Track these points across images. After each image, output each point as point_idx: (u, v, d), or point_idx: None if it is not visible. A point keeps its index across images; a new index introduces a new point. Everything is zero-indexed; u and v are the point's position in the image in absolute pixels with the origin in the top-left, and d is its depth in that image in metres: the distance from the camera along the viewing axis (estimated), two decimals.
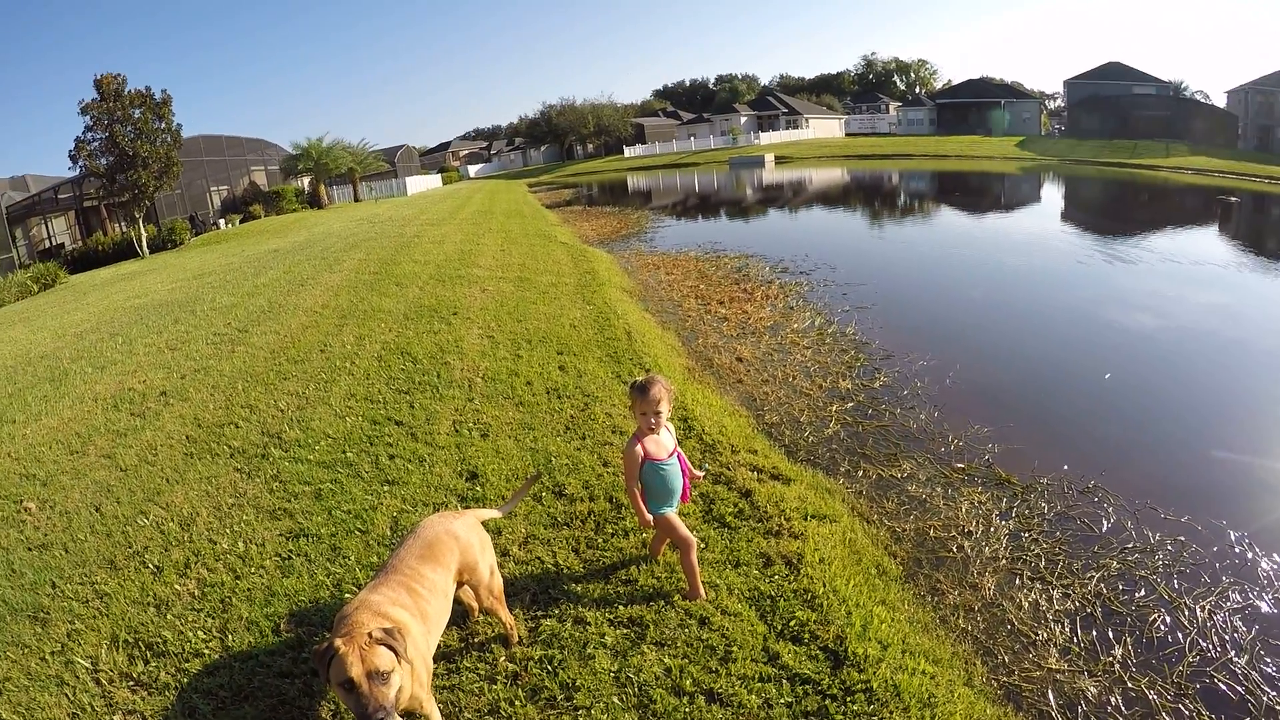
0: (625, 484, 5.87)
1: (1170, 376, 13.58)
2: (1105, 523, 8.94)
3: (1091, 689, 6.67)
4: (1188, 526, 8.96)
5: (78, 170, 45.39)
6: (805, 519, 8.01)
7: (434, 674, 5.05)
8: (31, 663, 5.92)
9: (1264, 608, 7.92)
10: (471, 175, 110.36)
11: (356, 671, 3.37)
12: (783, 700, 5.44)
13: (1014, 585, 7.79)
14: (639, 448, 5.77)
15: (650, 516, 5.87)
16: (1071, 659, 6.98)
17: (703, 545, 7.07)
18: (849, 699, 5.47)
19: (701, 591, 6.17)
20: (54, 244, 50.43)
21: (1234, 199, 38.46)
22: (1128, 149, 64.28)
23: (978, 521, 8.69)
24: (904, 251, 25.74)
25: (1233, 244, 28.70)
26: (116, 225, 51.62)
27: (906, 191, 43.13)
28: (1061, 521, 8.88)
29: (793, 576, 6.78)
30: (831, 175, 52.48)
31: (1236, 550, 8.75)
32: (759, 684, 5.54)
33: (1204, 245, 27.58)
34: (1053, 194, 42.59)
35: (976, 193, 43.90)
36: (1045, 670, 6.81)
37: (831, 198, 40.16)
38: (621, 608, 6.01)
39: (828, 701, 5.44)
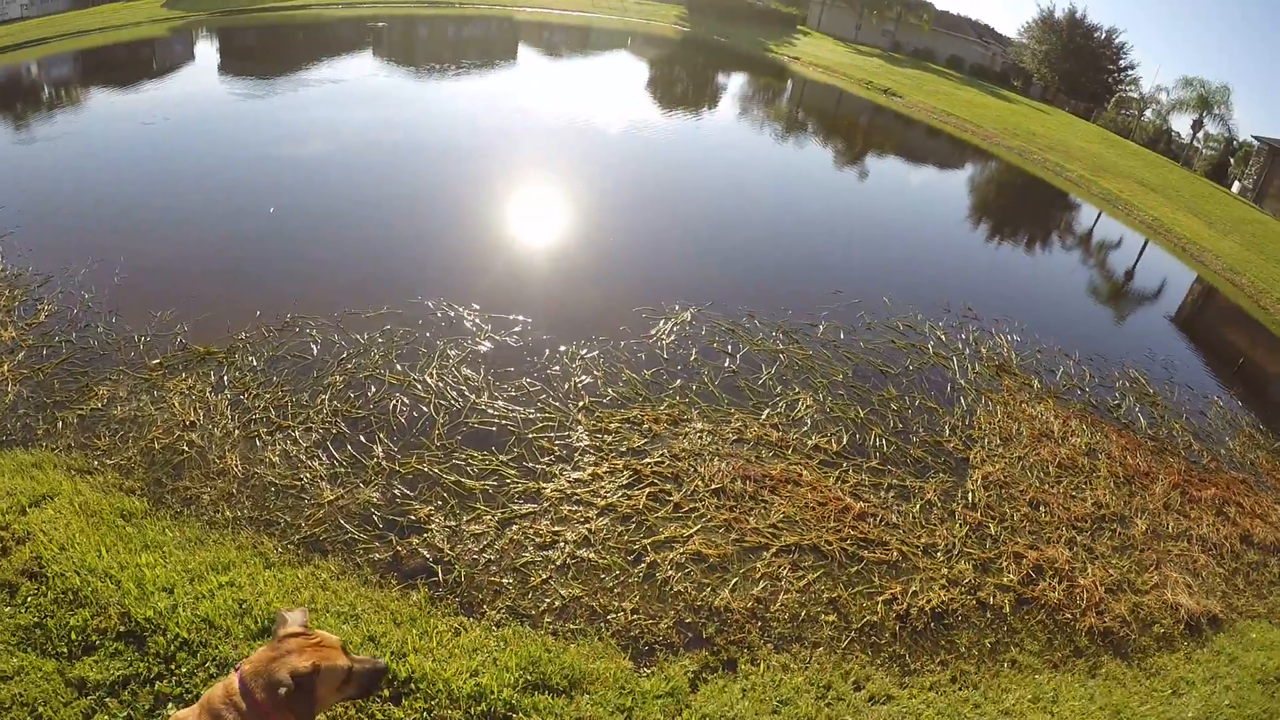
0: None
1: (343, 191, 14.54)
2: (315, 347, 9.56)
3: (375, 495, 7.35)
4: (389, 315, 10.06)
5: None
6: (23, 513, 6.86)
7: None
8: None
9: (483, 348, 9.47)
10: None
11: None
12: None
13: (257, 449, 7.93)
14: None
15: None
16: (341, 481, 7.48)
17: None
18: (171, 664, 5.33)
19: None
20: None
21: (381, 24, 41.21)
22: None
23: (195, 408, 8.45)
24: (37, 150, 21.92)
25: (385, 62, 31.16)
26: None
27: (50, 83, 36.09)
28: (274, 366, 9.27)
29: (45, 588, 6.01)
30: None
31: (438, 314, 10.17)
32: None
33: (357, 67, 29.45)
34: (207, 49, 40.03)
35: (124, 65, 38.97)
36: (326, 505, 7.21)
37: None
38: None
39: (158, 683, 5.19)
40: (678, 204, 17.05)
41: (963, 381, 10.88)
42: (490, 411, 8.68)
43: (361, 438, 8.10)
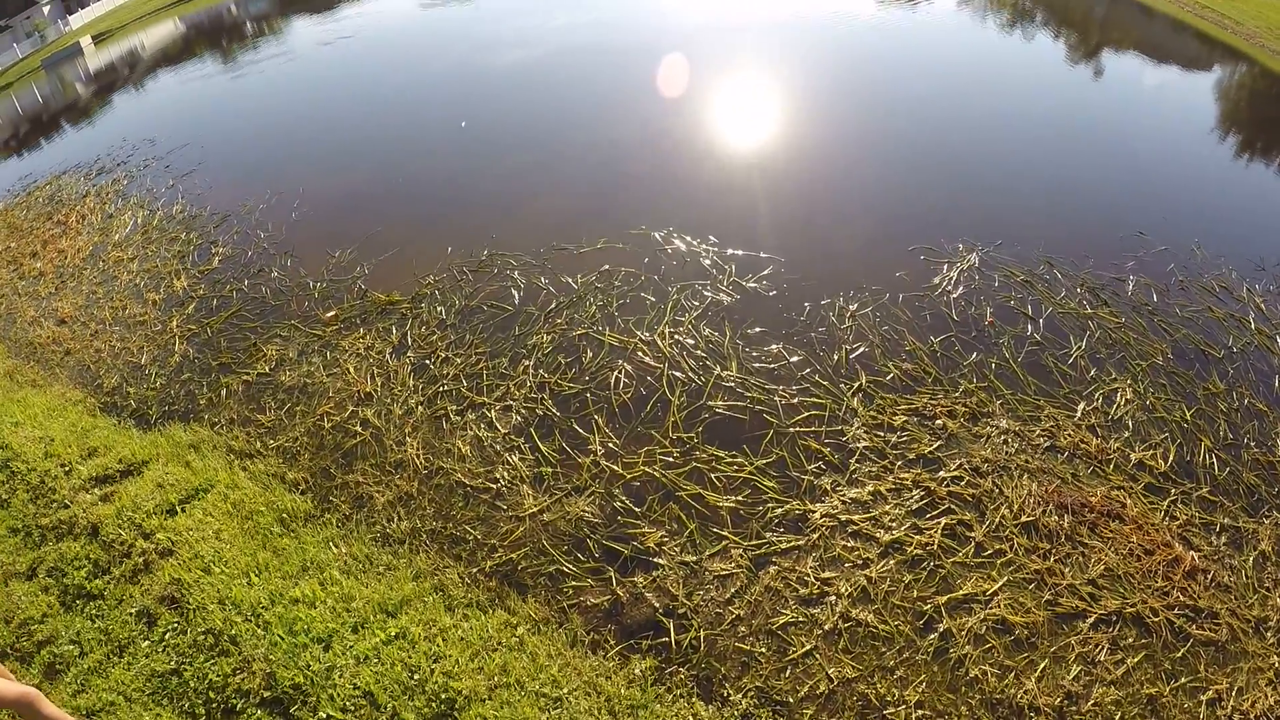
0: None
1: (542, 102, 12.80)
2: (516, 294, 7.91)
3: (591, 508, 5.69)
4: (607, 251, 8.27)
5: None
6: (173, 515, 5.96)
7: None
8: None
9: (725, 298, 7.43)
10: None
11: None
12: None
13: (444, 433, 6.28)
14: None
15: None
16: (547, 485, 5.85)
17: (77, 653, 4.98)
18: None
19: None
20: None
21: None
22: None
23: (372, 374, 6.92)
24: (233, 83, 21.96)
25: None
26: None
27: (250, 17, 37.47)
28: (466, 319, 7.64)
29: (185, 623, 5.08)
30: (163, 31, 44.39)
31: (668, 250, 8.26)
32: None
33: None
34: None
35: None
36: (528, 519, 5.67)
37: (170, 55, 33.31)
38: None
39: None
40: (919, 114, 13.60)
41: None
42: (740, 391, 6.56)
43: (575, 424, 6.28)
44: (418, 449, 6.13)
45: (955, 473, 6.13)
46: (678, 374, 6.70)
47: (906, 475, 6.08)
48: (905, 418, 6.56)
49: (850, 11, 21.03)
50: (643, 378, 6.67)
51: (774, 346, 7.00)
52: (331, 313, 7.82)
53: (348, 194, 10.32)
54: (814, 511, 5.73)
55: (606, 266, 8.02)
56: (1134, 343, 7.87)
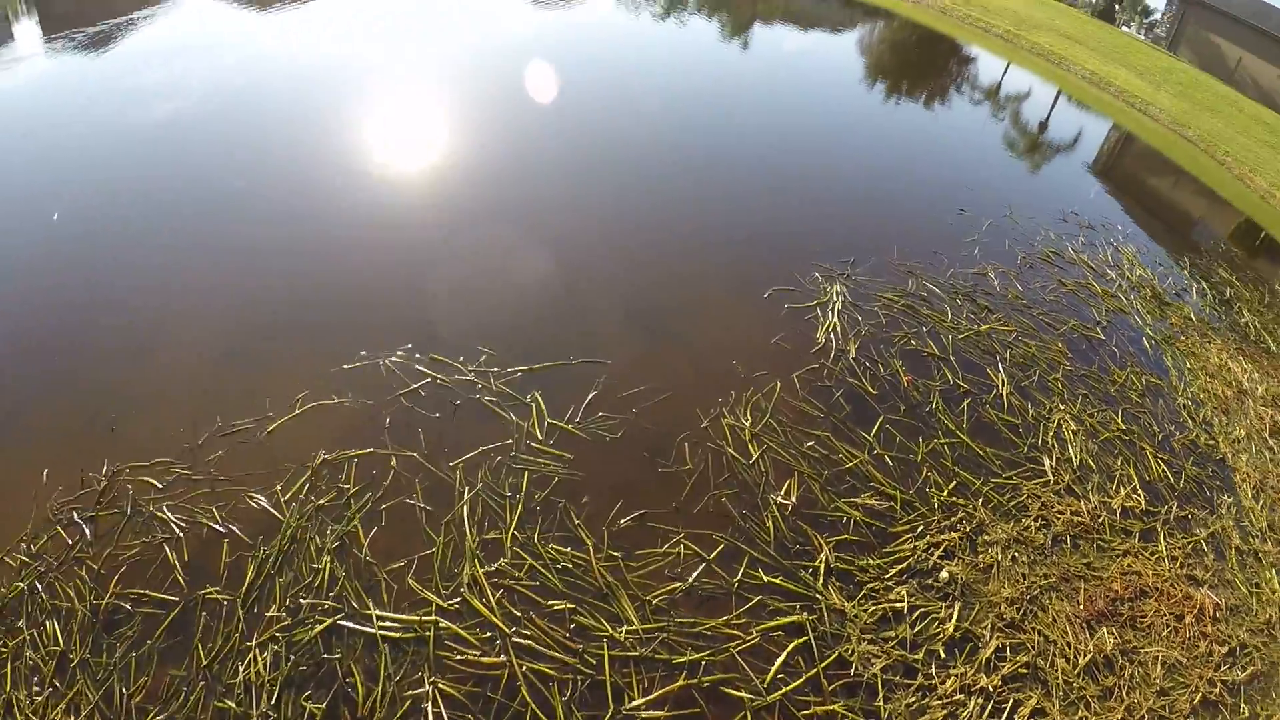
0: None
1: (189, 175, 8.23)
2: (179, 561, 4.32)
3: None
4: (309, 423, 4.90)
5: None
6: None
7: None
8: None
9: (553, 472, 4.46)
10: None
11: None
12: None
13: None
14: None
15: None
16: None
17: None
18: None
19: None
20: None
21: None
22: None
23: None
24: None
25: None
26: None
27: None
28: (107, 636, 3.97)
29: None
30: None
31: (422, 394, 5.02)
32: None
33: None
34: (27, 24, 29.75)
35: None
36: None
37: None
38: None
39: None
40: (667, 121, 11.24)
41: (1147, 329, 8.23)
42: (663, 657, 3.81)
43: None
44: None
45: (994, 644, 4.29)
46: (542, 665, 3.65)
47: (949, 684, 4.00)
48: (902, 587, 4.25)
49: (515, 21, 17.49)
50: (475, 699, 3.53)
51: (671, 544, 4.16)
52: None
53: None
54: None
55: (324, 454, 4.60)
56: (1038, 353, 7.07)
